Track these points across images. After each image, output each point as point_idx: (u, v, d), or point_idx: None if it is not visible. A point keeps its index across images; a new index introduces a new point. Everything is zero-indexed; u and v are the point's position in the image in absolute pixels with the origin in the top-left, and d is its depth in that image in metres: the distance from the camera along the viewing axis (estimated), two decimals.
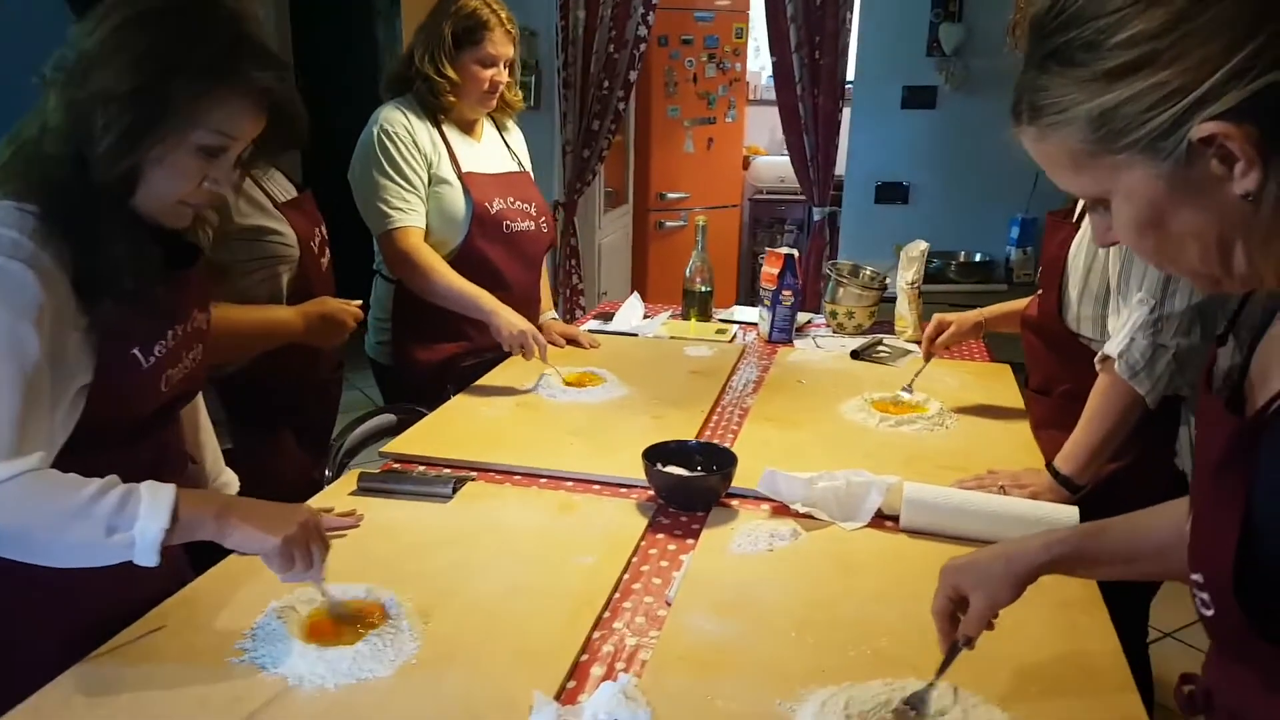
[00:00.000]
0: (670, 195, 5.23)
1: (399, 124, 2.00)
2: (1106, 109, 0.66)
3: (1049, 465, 1.58)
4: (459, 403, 1.95)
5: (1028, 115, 0.73)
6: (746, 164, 5.78)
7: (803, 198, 5.50)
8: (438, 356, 2.16)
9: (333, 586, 1.20)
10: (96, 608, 1.04)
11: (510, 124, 2.27)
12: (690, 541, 1.40)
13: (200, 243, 1.17)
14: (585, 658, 1.12)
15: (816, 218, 4.07)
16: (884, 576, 1.31)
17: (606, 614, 1.21)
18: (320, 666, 1.05)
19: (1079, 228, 1.72)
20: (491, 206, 2.09)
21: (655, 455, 1.53)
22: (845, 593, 1.26)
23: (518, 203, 2.15)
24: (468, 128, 2.13)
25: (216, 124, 1.01)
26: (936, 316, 2.09)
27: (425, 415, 1.89)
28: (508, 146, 2.23)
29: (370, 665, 1.06)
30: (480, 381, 2.06)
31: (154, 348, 1.10)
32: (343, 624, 1.13)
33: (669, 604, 1.23)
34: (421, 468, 1.64)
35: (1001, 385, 2.11)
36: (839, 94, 3.88)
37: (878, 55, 3.75)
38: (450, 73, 1.99)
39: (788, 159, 5.77)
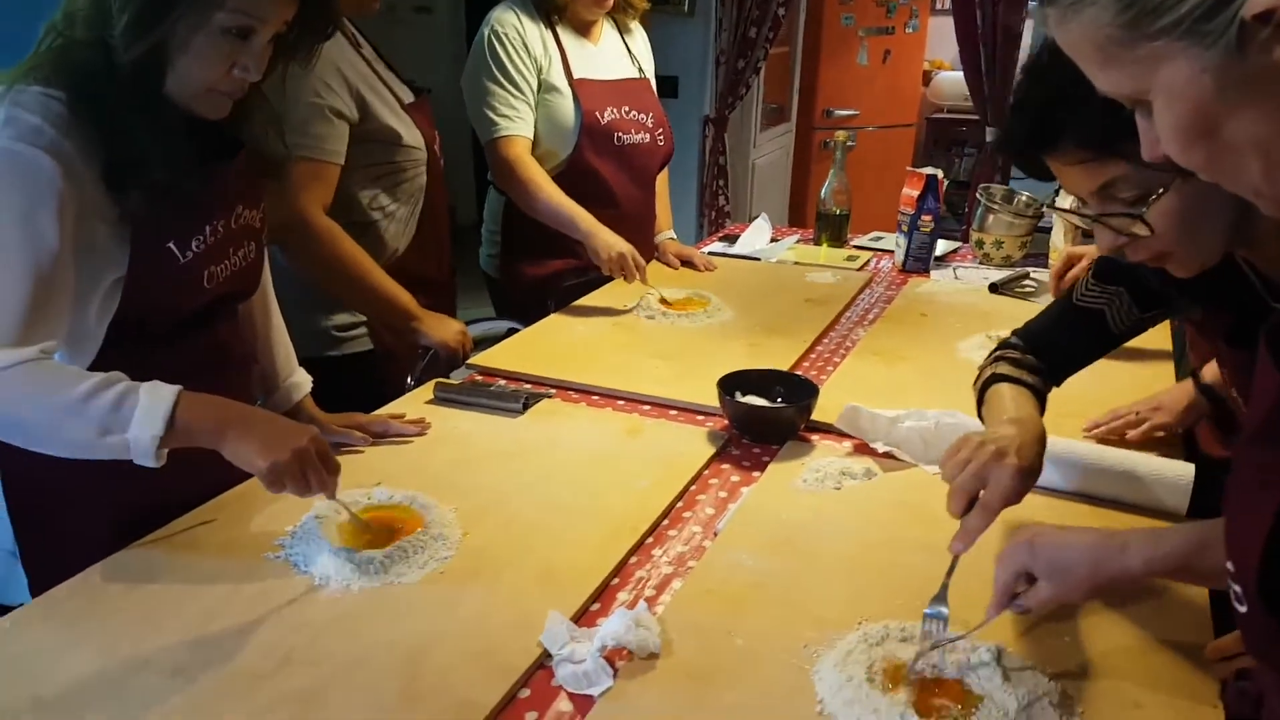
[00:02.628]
0: (839, 112, 4.95)
1: (510, 25, 1.95)
2: None
3: (1194, 376, 1.41)
4: (554, 320, 1.93)
5: None
6: (927, 79, 5.37)
7: None
8: (544, 272, 2.14)
9: (378, 491, 1.22)
10: (151, 492, 1.08)
11: (634, 26, 2.17)
12: (757, 474, 1.32)
13: (250, 137, 1.16)
14: (615, 582, 1.09)
15: (989, 138, 3.74)
16: (951, 526, 1.17)
17: (650, 540, 1.17)
18: (347, 569, 1.06)
19: None
20: (602, 117, 2.02)
21: (734, 383, 1.45)
22: (905, 539, 1.16)
23: (633, 112, 2.07)
24: (584, 29, 2.06)
25: (237, 3, 0.99)
26: (1066, 249, 1.86)
27: (520, 330, 1.88)
28: (629, 51, 2.14)
29: (397, 571, 1.07)
30: (580, 301, 2.03)
31: (190, 242, 1.11)
32: (379, 530, 1.14)
33: (715, 535, 1.17)
34: (502, 381, 1.64)
35: (1150, 338, 1.87)
36: (1023, 3, 3.50)
37: None
38: None
39: None
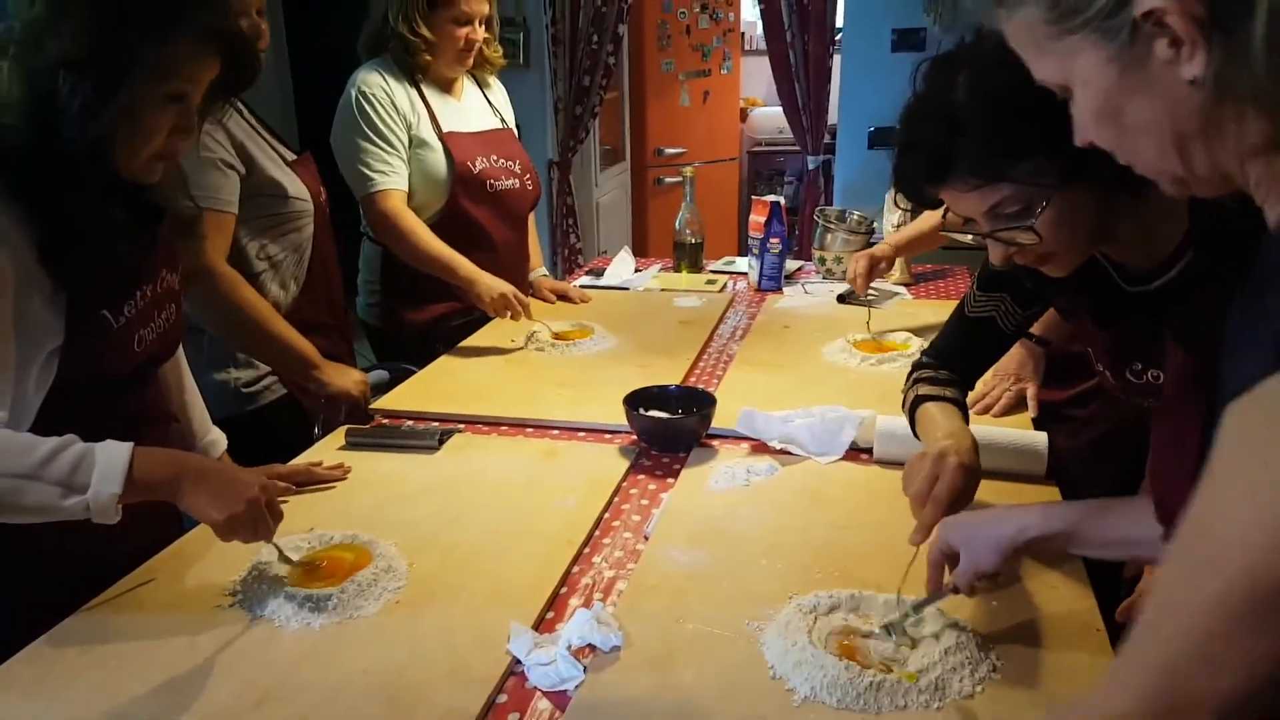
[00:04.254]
0: (668, 150, 5.21)
1: (376, 86, 2.01)
2: None
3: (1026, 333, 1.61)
4: (447, 361, 1.98)
5: None
6: (744, 116, 5.74)
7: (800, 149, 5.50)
8: (427, 316, 2.19)
9: (314, 535, 1.25)
10: (92, 561, 1.08)
11: (493, 80, 2.27)
12: (671, 481, 1.43)
13: (162, 197, 1.19)
14: (564, 591, 1.16)
15: (811, 166, 4.06)
16: (852, 505, 1.34)
17: (587, 550, 1.25)
18: (305, 608, 1.09)
19: None
20: (474, 166, 2.10)
21: (636, 400, 1.56)
22: (814, 521, 1.30)
23: (501, 160, 2.16)
24: (447, 86, 2.14)
25: (177, 71, 1.03)
26: (859, 255, 2.12)
27: (415, 373, 1.93)
28: (490, 104, 2.24)
29: (354, 605, 1.11)
30: (469, 340, 2.09)
31: (123, 308, 1.12)
32: (328, 569, 1.17)
33: (646, 539, 1.27)
34: (410, 422, 1.68)
35: None
36: (829, 40, 3.85)
37: None
38: (425, 32, 2.00)
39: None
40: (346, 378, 1.75)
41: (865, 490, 1.39)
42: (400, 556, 1.21)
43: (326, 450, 1.55)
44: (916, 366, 1.38)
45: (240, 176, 1.62)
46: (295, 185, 1.70)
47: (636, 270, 2.66)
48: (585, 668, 1.00)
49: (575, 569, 1.21)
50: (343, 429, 1.62)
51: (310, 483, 1.41)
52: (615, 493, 1.40)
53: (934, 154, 0.99)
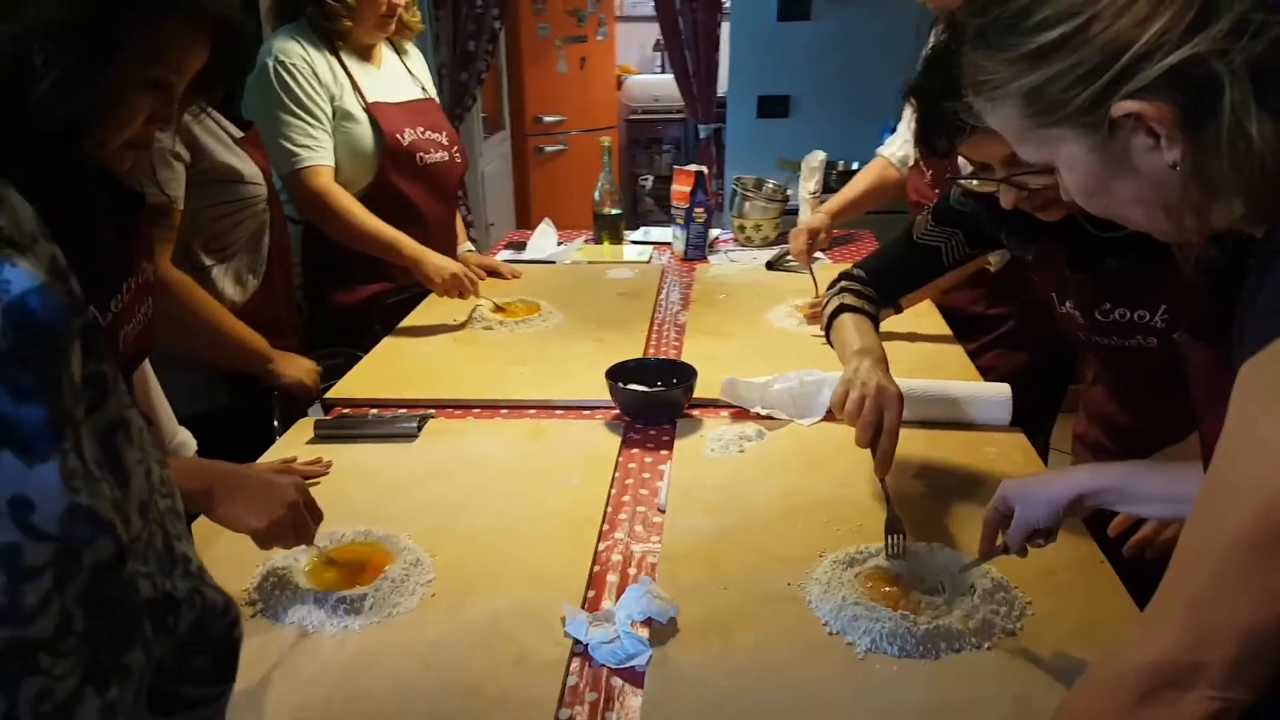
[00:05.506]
0: (547, 119, 5.14)
1: (295, 54, 1.88)
2: (1034, 87, 0.68)
3: None
4: (391, 344, 1.91)
5: (973, 89, 0.76)
6: (619, 84, 5.72)
7: (680, 116, 5.53)
8: (357, 298, 2.10)
9: (323, 534, 1.18)
10: None
11: (410, 47, 2.18)
12: (664, 453, 1.45)
13: (141, 187, 1.09)
14: (598, 569, 1.16)
15: (702, 134, 4.10)
16: (847, 464, 1.39)
17: (605, 527, 1.25)
18: (340, 611, 1.04)
19: None
20: (403, 138, 2.02)
21: (616, 374, 1.55)
22: (817, 482, 1.35)
23: (429, 132, 2.08)
24: (366, 54, 2.03)
25: (167, 58, 0.94)
26: (798, 230, 2.20)
27: (359, 358, 1.85)
28: (410, 72, 2.15)
29: (391, 602, 1.07)
30: (408, 320, 2.02)
31: (110, 304, 1.03)
32: (348, 567, 1.13)
33: (662, 511, 1.28)
34: (374, 410, 1.61)
35: None
36: (717, 7, 3.88)
37: None
38: None
39: (660, 77, 5.77)
40: (298, 367, 1.66)
41: (853, 449, 1.41)
42: (420, 548, 1.17)
43: (294, 445, 1.48)
44: (844, 277, 1.45)
45: (186, 166, 1.46)
46: (249, 167, 1.57)
47: (559, 243, 2.63)
48: (649, 642, 1.01)
49: (601, 547, 1.21)
50: (308, 421, 1.54)
51: None
52: (614, 468, 1.40)
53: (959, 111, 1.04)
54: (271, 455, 1.44)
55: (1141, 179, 0.68)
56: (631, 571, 1.16)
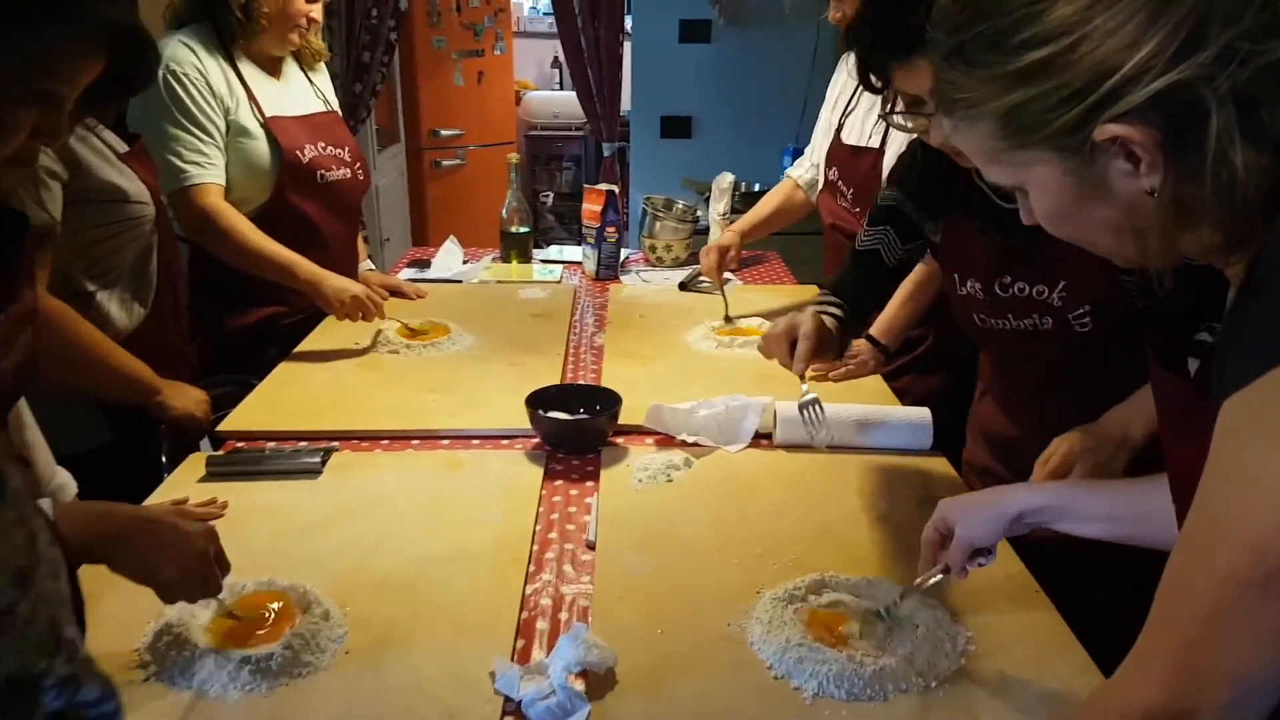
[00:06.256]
0: (444, 132, 5.02)
1: (188, 64, 1.75)
2: (1013, 107, 0.66)
3: (867, 335, 1.77)
4: (288, 370, 1.79)
5: (945, 107, 0.74)
6: (518, 99, 5.64)
7: (579, 133, 5.50)
8: (248, 321, 1.96)
9: (225, 584, 1.08)
10: None
11: (320, 66, 2.06)
12: (590, 484, 1.39)
13: (22, 207, 0.97)
14: (526, 615, 1.09)
15: (606, 153, 4.07)
16: (777, 492, 1.37)
17: (532, 567, 1.18)
18: (245, 672, 0.94)
19: (883, 153, 1.89)
20: (303, 155, 1.90)
21: (537, 402, 1.49)
22: (748, 512, 1.31)
23: (330, 148, 1.97)
24: (268, 65, 1.92)
25: (54, 68, 0.83)
26: (709, 249, 2.20)
27: (252, 385, 1.72)
28: (312, 84, 2.03)
29: (302, 661, 0.97)
30: (305, 344, 1.90)
31: None
32: (251, 622, 1.02)
33: (591, 547, 1.22)
34: (272, 444, 1.50)
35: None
36: (619, 27, 3.87)
37: None
38: (266, 2, 1.77)
39: (559, 94, 5.73)
40: (187, 397, 1.53)
41: (781, 475, 1.42)
42: (329, 600, 1.08)
43: (185, 485, 1.35)
44: (817, 301, 1.50)
45: (63, 184, 1.32)
46: (135, 186, 1.43)
47: (465, 261, 2.54)
48: (586, 696, 0.94)
49: (529, 589, 1.14)
50: (199, 457, 1.42)
51: None
52: (539, 501, 1.33)
53: (901, 24, 1.03)
54: (160, 496, 1.31)
55: (1116, 204, 0.67)
56: (563, 616, 1.09)
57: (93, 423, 1.46)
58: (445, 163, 5.06)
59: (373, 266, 2.27)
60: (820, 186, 2.13)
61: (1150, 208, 0.65)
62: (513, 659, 1.01)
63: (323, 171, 1.94)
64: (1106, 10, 0.61)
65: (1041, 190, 0.70)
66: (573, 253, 2.67)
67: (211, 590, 0.92)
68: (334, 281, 1.81)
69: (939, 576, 1.03)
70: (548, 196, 5.65)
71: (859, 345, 1.77)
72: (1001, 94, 0.66)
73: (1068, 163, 0.66)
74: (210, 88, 1.77)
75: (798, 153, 3.85)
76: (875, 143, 1.92)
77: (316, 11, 1.85)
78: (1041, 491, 1.00)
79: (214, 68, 1.79)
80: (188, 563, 0.87)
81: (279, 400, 1.66)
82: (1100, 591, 1.10)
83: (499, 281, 2.40)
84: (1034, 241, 1.15)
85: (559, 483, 1.39)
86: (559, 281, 2.43)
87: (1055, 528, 0.98)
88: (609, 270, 2.46)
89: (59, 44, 0.83)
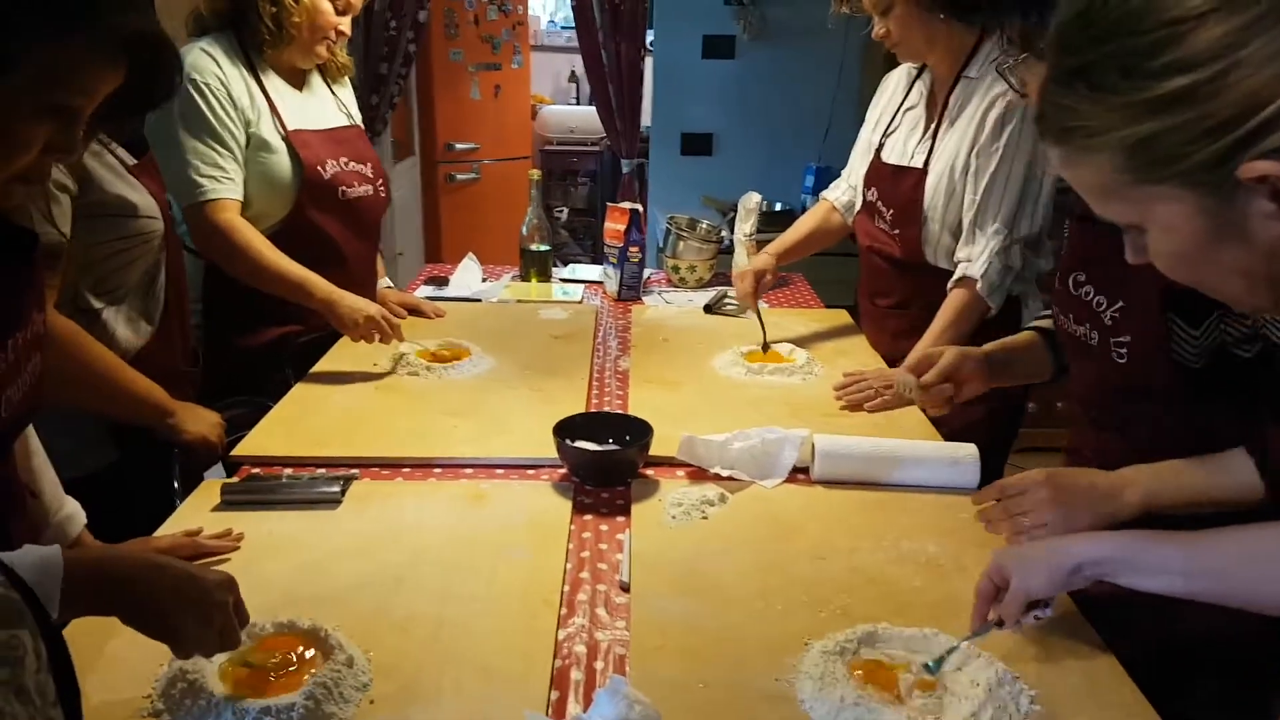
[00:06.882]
0: (459, 146, 4.99)
1: (211, 74, 1.71)
2: (1145, 138, 0.61)
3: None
4: (305, 392, 1.73)
5: (1054, 135, 0.68)
6: (534, 114, 5.61)
7: (595, 149, 5.47)
8: (261, 340, 1.91)
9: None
10: None
11: (345, 79, 2.02)
12: (620, 519, 1.33)
13: (31, 224, 0.92)
14: (559, 663, 1.03)
15: (625, 170, 4.03)
16: (817, 532, 1.30)
17: (564, 610, 1.12)
18: None
19: (926, 173, 1.83)
20: (325, 170, 1.85)
21: (564, 431, 1.43)
22: (789, 553, 1.24)
23: (352, 164, 1.92)
24: (293, 77, 1.87)
25: (70, 81, 0.78)
26: (744, 272, 2.09)
27: (267, 408, 1.66)
28: (336, 97, 1.98)
29: (324, 711, 0.91)
30: (322, 365, 1.85)
31: None
32: (272, 669, 0.96)
33: (624, 589, 1.16)
34: (289, 470, 1.44)
35: (844, 328, 2.19)
36: (640, 42, 3.83)
37: (677, 3, 3.71)
38: (297, 14, 1.72)
39: (576, 108, 5.70)
40: (201, 420, 1.47)
41: (821, 514, 1.35)
42: (352, 645, 1.02)
43: (198, 513, 1.29)
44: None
45: (72, 198, 1.27)
46: (144, 200, 1.39)
47: (484, 279, 2.49)
48: None
49: (562, 634, 1.07)
50: (213, 484, 1.36)
51: (198, 558, 1.16)
52: (568, 537, 1.27)
53: None
54: (172, 526, 1.25)
55: (1254, 248, 0.61)
56: (599, 665, 1.03)
57: (100, 442, 1.40)
58: (459, 176, 5.03)
59: (391, 284, 2.22)
60: (858, 208, 2.07)
61: None
62: (547, 712, 0.95)
63: (344, 188, 1.89)
64: (1264, 34, 0.55)
65: (1167, 229, 0.64)
66: (589, 271, 2.62)
67: (229, 645, 0.87)
68: (350, 301, 1.76)
69: (993, 630, 0.97)
70: (562, 212, 5.61)
71: (891, 374, 1.70)
72: (1132, 123, 0.60)
73: (1204, 201, 0.60)
74: (232, 99, 1.73)
75: (820, 172, 3.83)
76: (919, 162, 1.86)
77: (345, 24, 1.80)
78: (1106, 542, 0.94)
79: (236, 78, 1.75)
80: (205, 616, 0.81)
81: (296, 424, 1.60)
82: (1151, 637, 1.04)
83: (519, 301, 2.35)
84: (1117, 247, 1.09)
85: (588, 517, 1.33)
86: (580, 302, 2.37)
87: (1118, 581, 0.92)
88: (631, 291, 2.40)
89: (75, 54, 0.77)
